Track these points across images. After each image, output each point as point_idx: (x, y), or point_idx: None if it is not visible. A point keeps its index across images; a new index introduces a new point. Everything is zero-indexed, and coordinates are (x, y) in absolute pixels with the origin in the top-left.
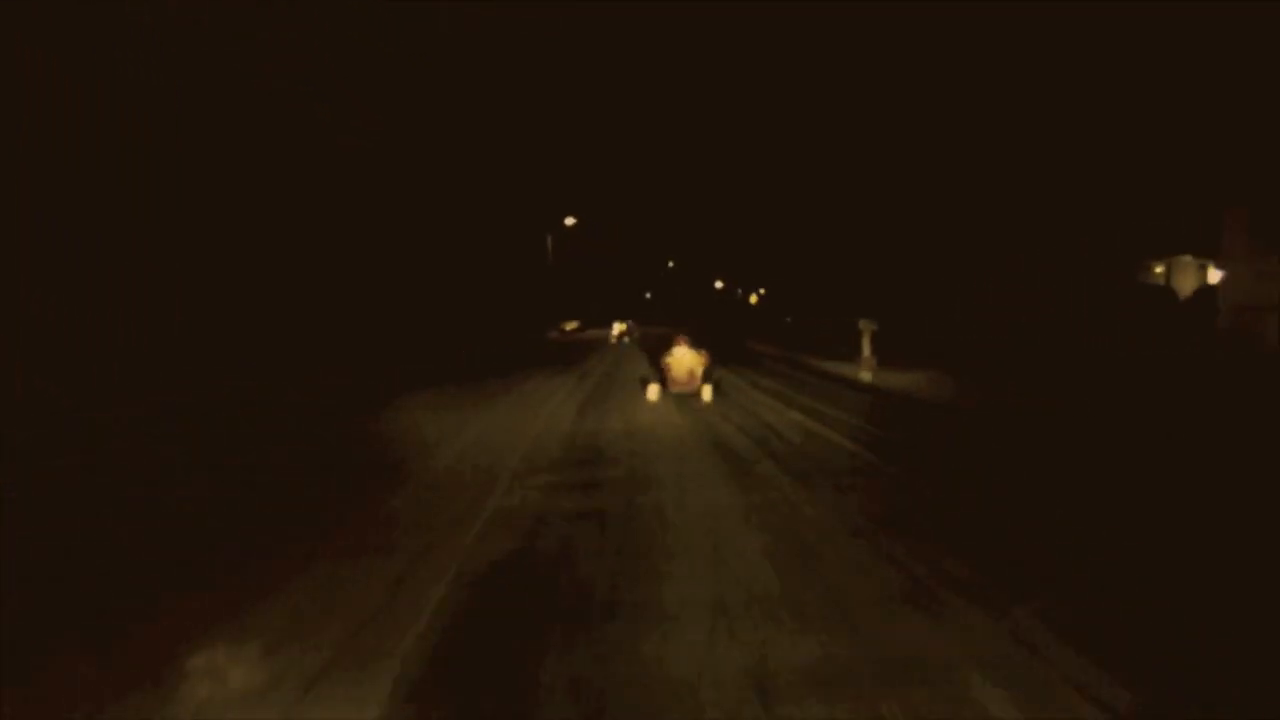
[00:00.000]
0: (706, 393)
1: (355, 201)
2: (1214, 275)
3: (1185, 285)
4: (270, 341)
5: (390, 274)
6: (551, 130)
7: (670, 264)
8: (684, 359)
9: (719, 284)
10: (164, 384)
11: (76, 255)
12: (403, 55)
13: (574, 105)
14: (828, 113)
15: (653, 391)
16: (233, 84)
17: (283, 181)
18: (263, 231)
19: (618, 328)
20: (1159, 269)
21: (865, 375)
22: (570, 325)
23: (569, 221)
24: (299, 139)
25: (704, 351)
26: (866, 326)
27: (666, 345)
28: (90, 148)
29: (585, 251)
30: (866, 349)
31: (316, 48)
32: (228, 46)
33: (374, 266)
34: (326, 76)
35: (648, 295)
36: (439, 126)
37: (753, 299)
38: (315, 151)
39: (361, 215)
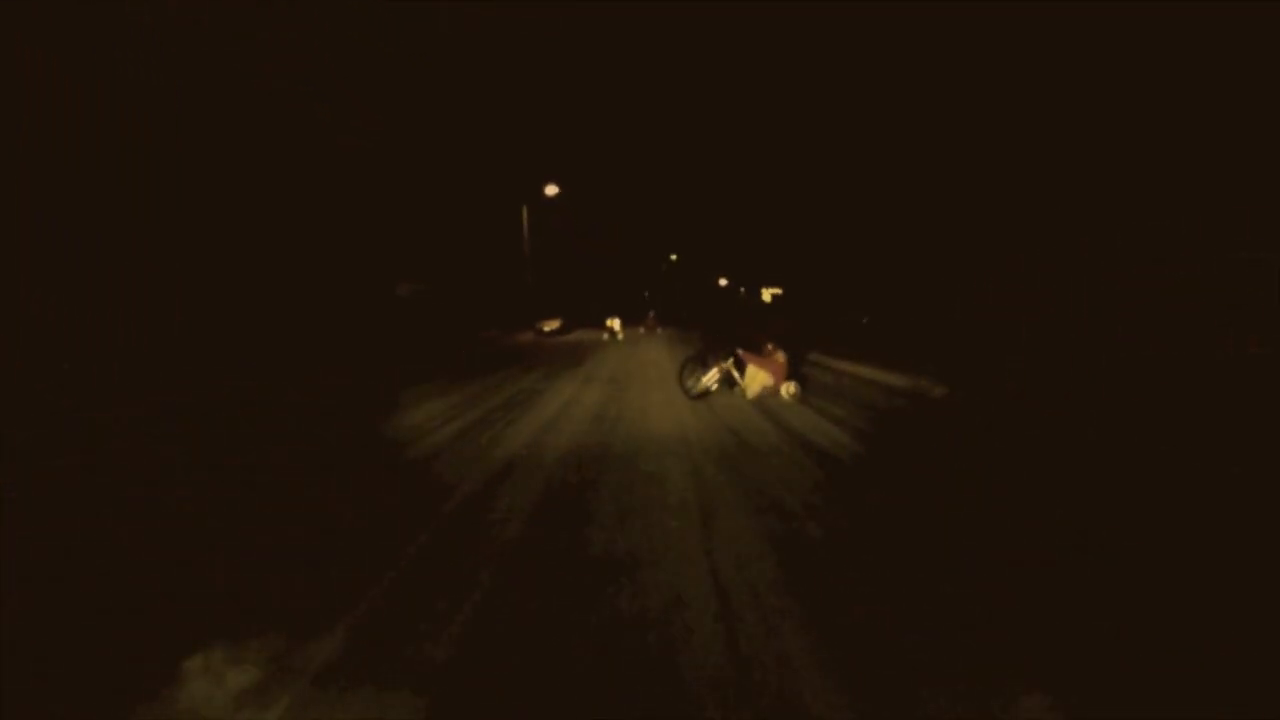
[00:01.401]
0: (792, 387)
1: (352, 201)
2: None
3: None
4: (263, 341)
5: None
6: (549, 127)
7: (673, 257)
8: (775, 360)
9: (723, 281)
10: (164, 384)
11: (76, 255)
12: (403, 55)
13: (573, 105)
14: (839, 107)
15: (788, 389)
16: (233, 84)
17: (281, 181)
18: (260, 231)
19: (611, 323)
20: None
21: None
22: (550, 324)
23: (550, 190)
24: (299, 139)
25: (783, 353)
26: None
27: (736, 351)
28: (90, 147)
29: (581, 248)
30: None
31: (316, 48)
32: (228, 46)
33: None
34: (326, 76)
35: (646, 294)
36: (437, 126)
37: (766, 296)
38: (315, 151)
39: (358, 214)
